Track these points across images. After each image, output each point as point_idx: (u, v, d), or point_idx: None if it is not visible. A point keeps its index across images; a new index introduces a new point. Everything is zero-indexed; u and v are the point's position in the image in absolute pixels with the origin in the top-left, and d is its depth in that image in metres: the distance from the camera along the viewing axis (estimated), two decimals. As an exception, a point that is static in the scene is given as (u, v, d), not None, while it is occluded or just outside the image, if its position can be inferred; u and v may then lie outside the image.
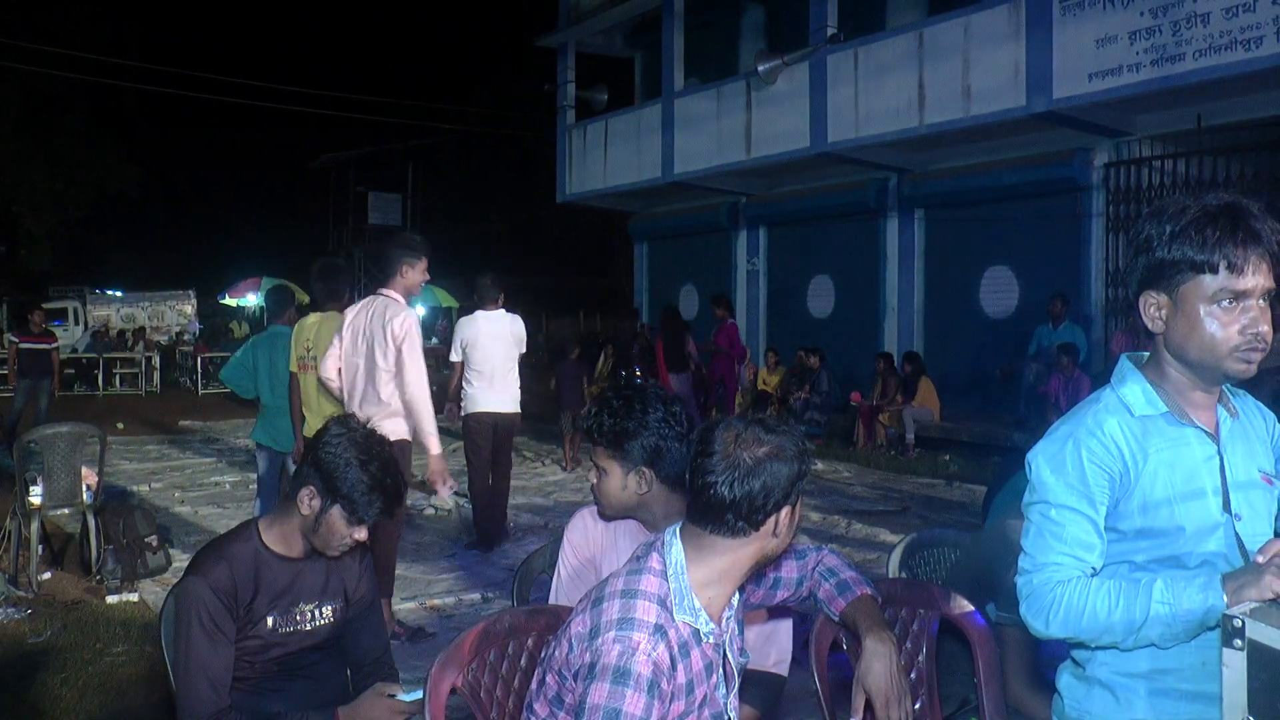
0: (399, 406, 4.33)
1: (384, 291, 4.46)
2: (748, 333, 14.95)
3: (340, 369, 4.51)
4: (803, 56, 12.24)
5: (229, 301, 25.49)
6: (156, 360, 19.71)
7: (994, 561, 2.50)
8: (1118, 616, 1.56)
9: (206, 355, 19.46)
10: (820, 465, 9.99)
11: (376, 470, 2.16)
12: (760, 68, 12.45)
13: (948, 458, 10.18)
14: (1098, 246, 10.67)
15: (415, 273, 4.48)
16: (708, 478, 1.64)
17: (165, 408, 15.72)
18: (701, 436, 1.69)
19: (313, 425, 4.77)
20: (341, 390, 4.52)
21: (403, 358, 4.27)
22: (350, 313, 4.57)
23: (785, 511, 1.67)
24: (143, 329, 22.93)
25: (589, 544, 2.27)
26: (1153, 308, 1.63)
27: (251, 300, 24.02)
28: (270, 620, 2.20)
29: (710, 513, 1.65)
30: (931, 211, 12.64)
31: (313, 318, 5.09)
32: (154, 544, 5.49)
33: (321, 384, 4.67)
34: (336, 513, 2.17)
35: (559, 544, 2.33)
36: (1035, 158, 10.99)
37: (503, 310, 6.46)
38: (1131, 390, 1.67)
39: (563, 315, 25.60)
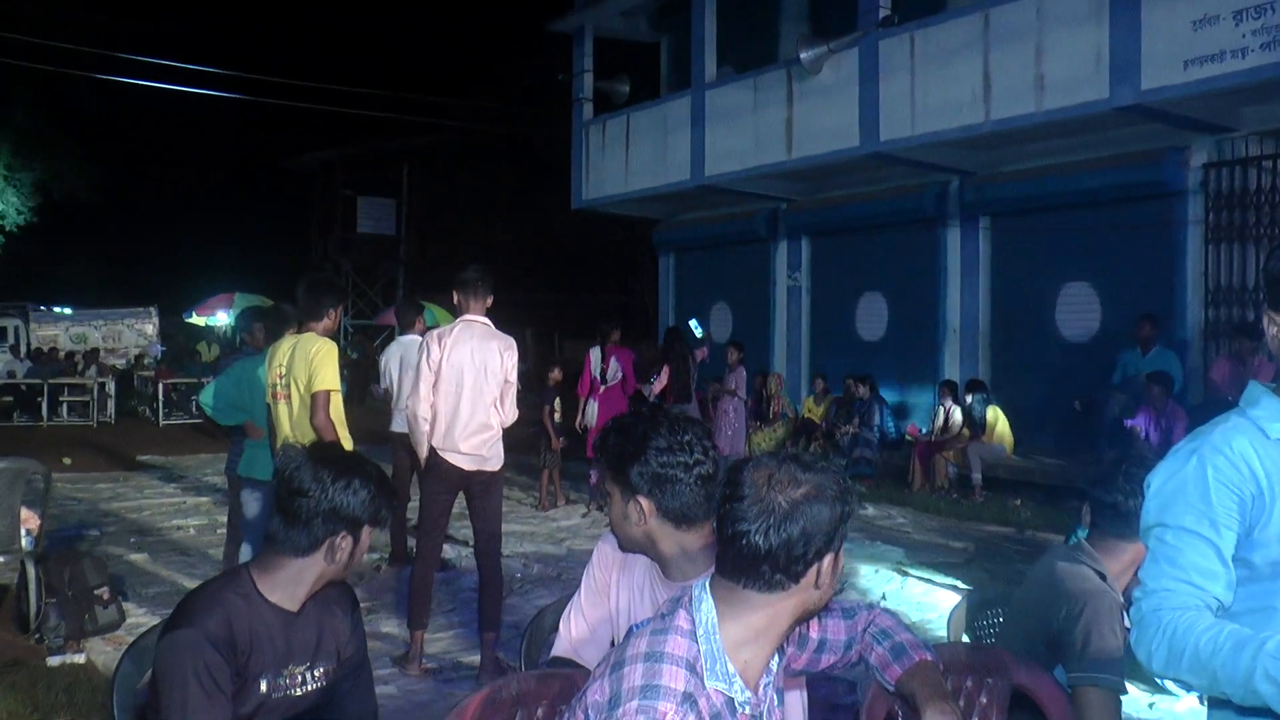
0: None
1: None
2: (788, 356, 14.97)
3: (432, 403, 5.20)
4: (851, 42, 12.31)
5: (196, 320, 25.71)
6: (111, 387, 19.89)
7: (1049, 616, 2.50)
8: (1220, 661, 1.54)
9: (170, 381, 19.64)
10: (870, 510, 9.95)
11: (361, 472, 2.29)
12: (803, 55, 12.53)
13: (1019, 502, 10.13)
14: (1194, 260, 10.61)
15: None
16: (739, 525, 1.65)
17: (121, 440, 15.86)
18: (729, 478, 1.71)
19: None
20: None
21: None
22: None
23: (828, 560, 1.69)
24: (95, 351, 23.16)
25: (606, 568, 2.34)
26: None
27: (223, 319, 24.22)
28: (263, 684, 2.23)
29: (743, 564, 1.67)
30: (999, 220, 12.63)
31: (286, 340, 5.23)
32: (105, 597, 5.51)
33: (319, 414, 4.92)
34: (365, 534, 2.32)
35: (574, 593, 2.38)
36: (1120, 158, 10.97)
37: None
38: (1267, 410, 1.67)
39: (578, 337, 25.66)
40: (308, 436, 4.95)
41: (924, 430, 11.40)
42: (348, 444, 5.32)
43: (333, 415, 4.99)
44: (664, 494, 2.09)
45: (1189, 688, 1.73)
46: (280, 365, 5.16)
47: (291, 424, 5.09)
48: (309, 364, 5.01)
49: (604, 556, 2.36)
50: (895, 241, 13.70)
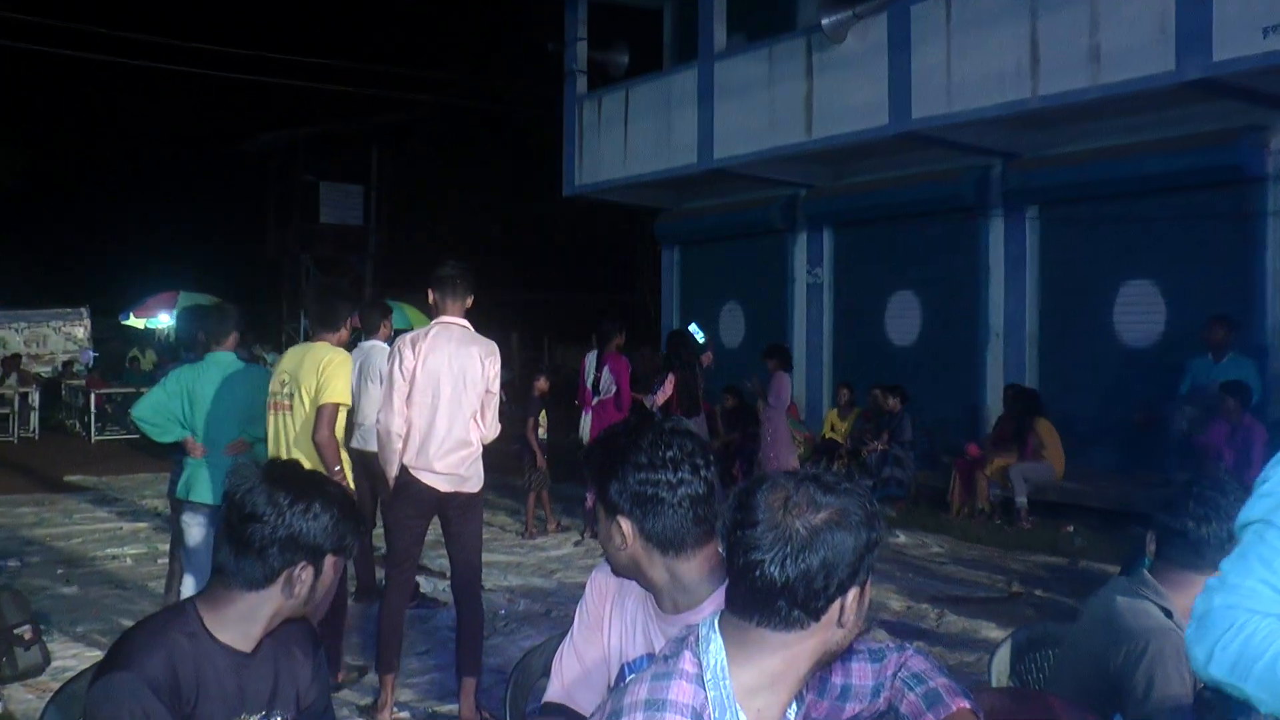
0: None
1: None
2: (807, 364, 14.98)
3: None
4: (879, 7, 12.34)
5: (134, 323, 25.68)
6: (35, 398, 19.90)
7: (1106, 658, 2.50)
8: None
9: (103, 392, 19.65)
10: (901, 537, 9.96)
11: (322, 494, 2.29)
12: (825, 22, 12.56)
13: (1071, 529, 10.15)
14: (1274, 254, 10.62)
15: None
16: (751, 555, 1.66)
17: (46, 458, 15.88)
18: (739, 501, 1.71)
19: None
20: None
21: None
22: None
23: (852, 594, 1.69)
24: (17, 357, 23.12)
25: (601, 599, 2.36)
26: None
27: (165, 321, 24.22)
28: None
29: (756, 600, 1.67)
30: (1048, 209, 12.65)
31: (294, 349, 5.69)
32: (27, 636, 5.51)
33: (323, 429, 5.17)
34: (330, 563, 2.31)
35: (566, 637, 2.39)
36: (1188, 139, 10.99)
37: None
38: None
39: (570, 341, 25.69)
40: (312, 455, 5.24)
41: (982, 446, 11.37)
42: (347, 467, 5.53)
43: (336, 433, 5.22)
44: (645, 515, 2.10)
45: (1247, 704, 1.72)
46: (284, 373, 5.47)
47: (292, 440, 5.39)
48: (319, 373, 5.27)
49: (599, 586, 2.37)
50: (930, 233, 13.71)
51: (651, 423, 2.21)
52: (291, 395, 5.49)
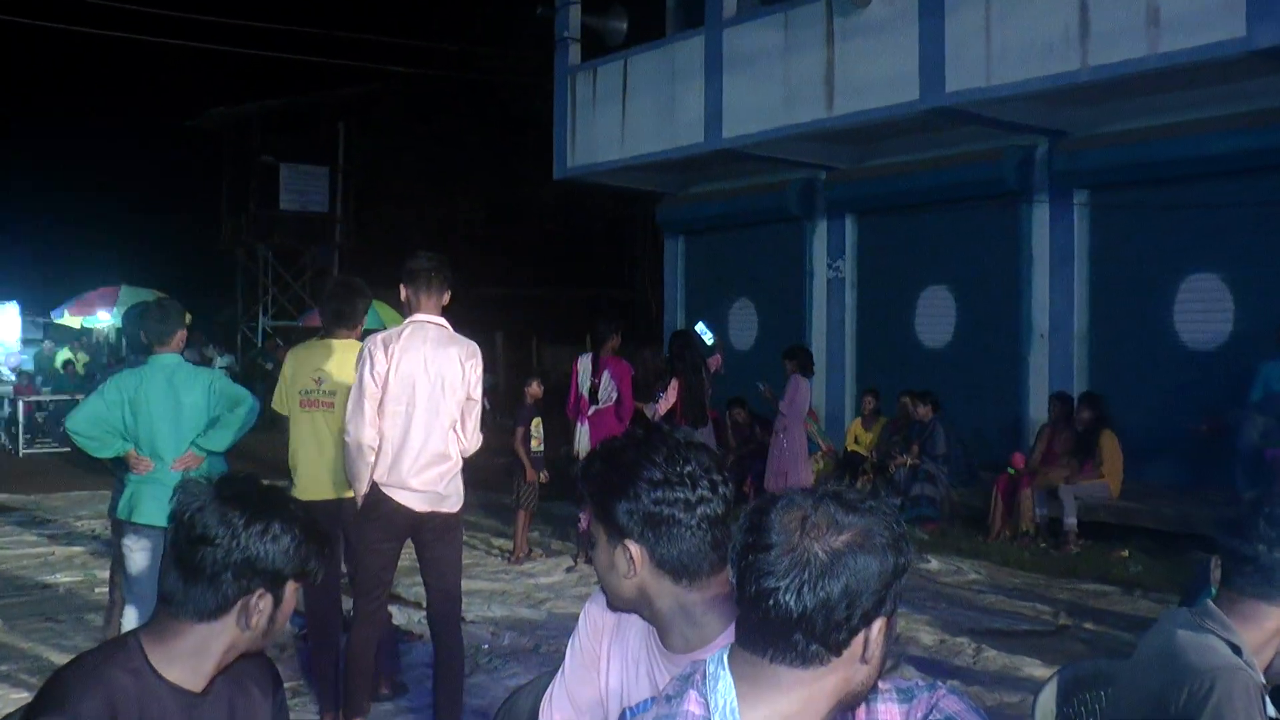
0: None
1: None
2: (828, 368, 14.98)
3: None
4: (912, -34, 12.37)
5: (69, 322, 25.69)
6: (-46, 407, 19.91)
7: (1165, 700, 2.50)
8: None
9: (34, 399, 19.63)
10: (934, 562, 9.96)
11: (282, 514, 2.29)
12: (849, -18, 12.60)
13: (1126, 553, 10.15)
14: (1354, 245, 10.65)
15: None
16: (764, 582, 1.66)
17: (-29, 475, 15.85)
18: (751, 522, 1.71)
19: (319, 482, 5.91)
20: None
21: None
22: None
23: (878, 625, 1.69)
24: (-69, 361, 23.16)
25: (596, 634, 2.35)
26: None
27: (104, 320, 24.23)
28: None
29: (770, 632, 1.68)
30: (1100, 194, 12.66)
31: (314, 345, 6.21)
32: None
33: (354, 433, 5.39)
34: (289, 593, 2.31)
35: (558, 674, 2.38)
36: (1260, 115, 11.00)
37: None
38: None
39: (562, 342, 25.71)
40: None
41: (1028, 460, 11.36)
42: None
43: None
44: (658, 538, 2.08)
45: None
46: (317, 371, 5.91)
47: (332, 438, 5.79)
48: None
49: (593, 620, 2.37)
50: (966, 222, 13.72)
51: (661, 433, 2.19)
52: (333, 394, 5.93)
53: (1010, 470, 11.33)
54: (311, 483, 5.96)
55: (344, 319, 6.16)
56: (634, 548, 2.09)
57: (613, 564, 2.14)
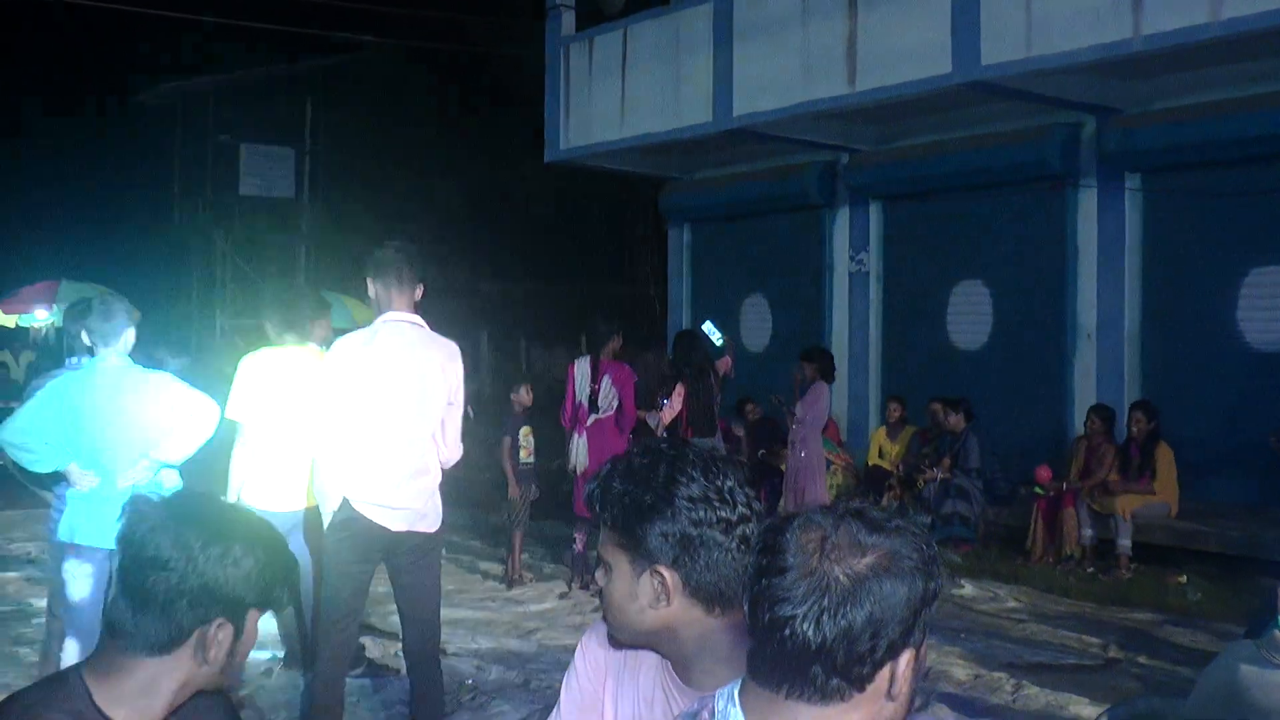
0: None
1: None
2: (849, 371, 14.96)
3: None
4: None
5: (2, 320, 25.71)
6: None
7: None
8: None
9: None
10: (968, 588, 9.95)
11: (244, 535, 2.28)
12: (874, -58, 12.59)
13: (1184, 579, 10.14)
14: None
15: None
16: (779, 609, 1.66)
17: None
18: (765, 542, 1.71)
19: (275, 496, 6.23)
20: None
21: None
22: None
23: (905, 658, 1.70)
24: None
25: (596, 674, 2.33)
26: None
27: (42, 318, 24.22)
28: None
29: (786, 665, 1.68)
30: (1154, 176, 12.65)
31: (272, 353, 6.35)
32: None
33: None
34: (251, 622, 2.30)
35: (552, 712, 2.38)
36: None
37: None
38: None
39: (554, 343, 25.69)
40: None
41: (1060, 473, 11.34)
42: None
43: None
44: (695, 562, 2.07)
45: None
46: (272, 378, 6.32)
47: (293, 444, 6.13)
48: None
49: (592, 657, 2.35)
50: (1004, 209, 13.72)
51: (687, 444, 2.18)
52: (292, 402, 6.26)
53: (1037, 488, 11.31)
54: (266, 496, 6.04)
55: (294, 327, 6.50)
56: (669, 574, 2.08)
57: (634, 594, 2.12)
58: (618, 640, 2.23)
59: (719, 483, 2.10)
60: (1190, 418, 11.97)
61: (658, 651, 2.19)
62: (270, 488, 6.41)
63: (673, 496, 2.08)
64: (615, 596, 2.15)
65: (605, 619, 2.22)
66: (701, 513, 2.07)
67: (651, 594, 2.09)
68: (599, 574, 2.20)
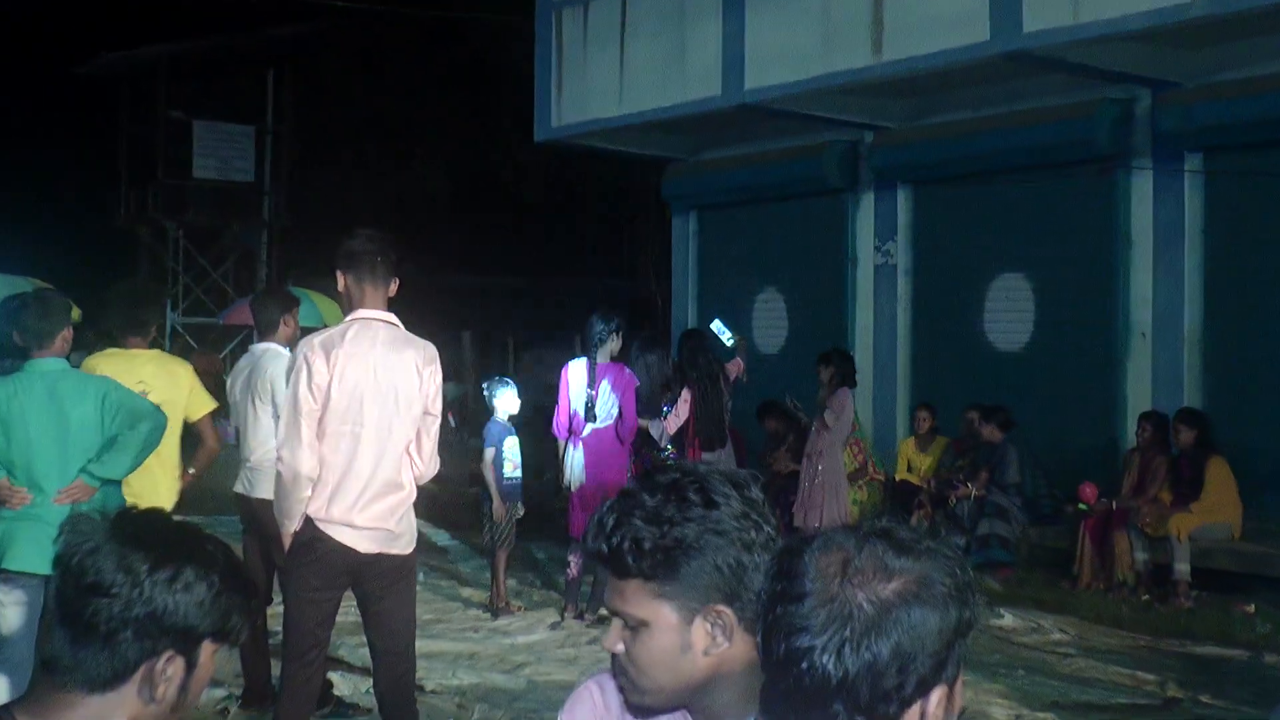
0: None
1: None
2: (874, 375, 14.97)
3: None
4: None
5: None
6: None
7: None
8: None
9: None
10: (1008, 618, 9.94)
11: (197, 557, 2.26)
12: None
13: (1251, 608, 10.11)
14: None
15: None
16: (796, 640, 1.65)
17: None
18: (780, 566, 1.72)
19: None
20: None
21: None
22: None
23: (937, 696, 1.69)
24: None
25: None
26: None
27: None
28: None
29: (804, 702, 1.67)
30: (1216, 157, 12.66)
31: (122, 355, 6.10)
32: None
33: None
34: (205, 654, 2.27)
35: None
36: None
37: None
38: None
39: (546, 344, 25.73)
40: None
41: (1108, 492, 11.34)
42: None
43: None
44: (749, 590, 2.01)
45: None
46: (138, 382, 6.16)
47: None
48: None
49: (594, 713, 2.31)
50: (1048, 194, 13.73)
51: (702, 470, 2.13)
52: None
53: (1081, 506, 11.27)
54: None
55: (139, 327, 6.56)
56: (726, 612, 2.04)
57: (686, 645, 2.05)
58: (646, 708, 2.14)
59: (748, 494, 2.10)
60: (1257, 428, 11.97)
61: (692, 708, 2.13)
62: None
63: (719, 520, 2.05)
64: (656, 654, 2.07)
65: (630, 685, 2.12)
66: (751, 533, 2.06)
67: (707, 638, 2.05)
68: (617, 636, 2.09)
